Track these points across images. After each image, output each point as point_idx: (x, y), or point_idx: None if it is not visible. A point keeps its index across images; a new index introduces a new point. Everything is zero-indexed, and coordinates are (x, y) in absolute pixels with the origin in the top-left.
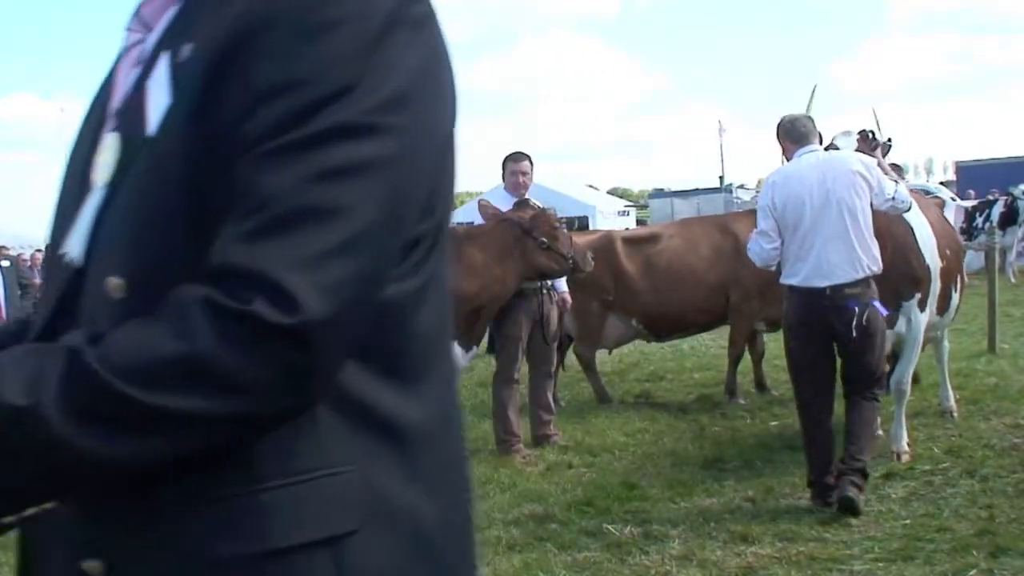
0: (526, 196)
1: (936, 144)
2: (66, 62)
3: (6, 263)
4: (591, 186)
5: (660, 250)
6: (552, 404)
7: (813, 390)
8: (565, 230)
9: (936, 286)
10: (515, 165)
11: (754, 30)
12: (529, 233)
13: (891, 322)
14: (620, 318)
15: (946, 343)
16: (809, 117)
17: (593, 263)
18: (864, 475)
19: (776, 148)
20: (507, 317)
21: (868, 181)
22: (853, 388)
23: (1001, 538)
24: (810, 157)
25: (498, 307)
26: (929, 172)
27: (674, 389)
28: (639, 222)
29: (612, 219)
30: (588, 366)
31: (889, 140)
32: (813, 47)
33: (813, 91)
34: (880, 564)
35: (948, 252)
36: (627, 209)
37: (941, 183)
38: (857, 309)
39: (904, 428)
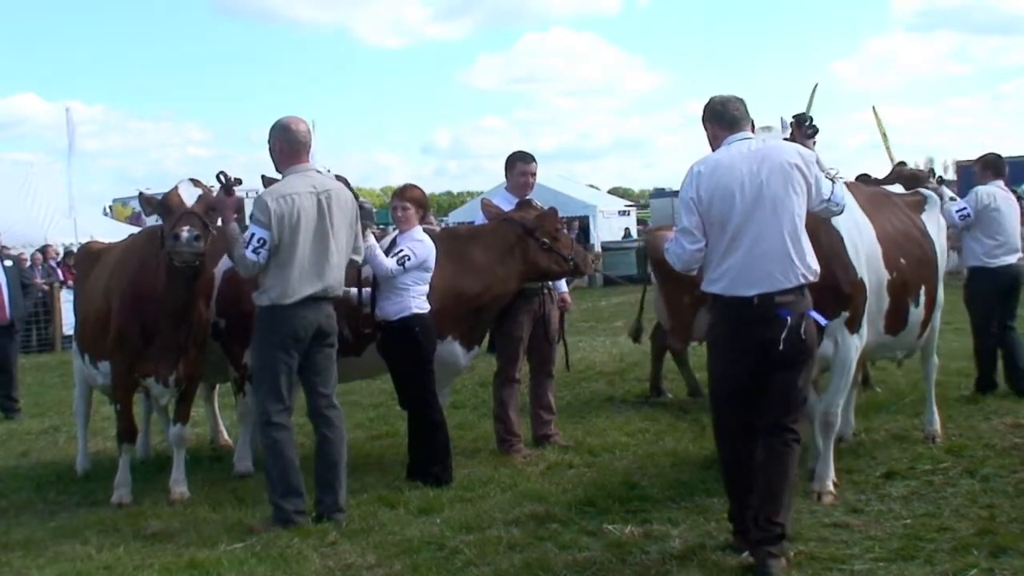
0: (528, 196)
1: (937, 144)
2: (67, 63)
3: (9, 263)
4: (592, 186)
5: None
6: (553, 404)
7: (737, 418)
8: (566, 231)
9: (882, 302)
10: (525, 166)
11: (756, 28)
12: (531, 233)
13: None
14: None
15: (935, 360)
16: (741, 100)
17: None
18: (785, 538)
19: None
20: (508, 317)
21: (806, 176)
22: (769, 416)
23: (1002, 537)
24: (742, 145)
25: (500, 307)
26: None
27: (675, 389)
28: (640, 222)
29: (613, 219)
30: (682, 361)
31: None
32: (815, 45)
33: (814, 89)
34: (881, 564)
35: (903, 261)
36: (628, 209)
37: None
38: (790, 319)
39: (831, 466)
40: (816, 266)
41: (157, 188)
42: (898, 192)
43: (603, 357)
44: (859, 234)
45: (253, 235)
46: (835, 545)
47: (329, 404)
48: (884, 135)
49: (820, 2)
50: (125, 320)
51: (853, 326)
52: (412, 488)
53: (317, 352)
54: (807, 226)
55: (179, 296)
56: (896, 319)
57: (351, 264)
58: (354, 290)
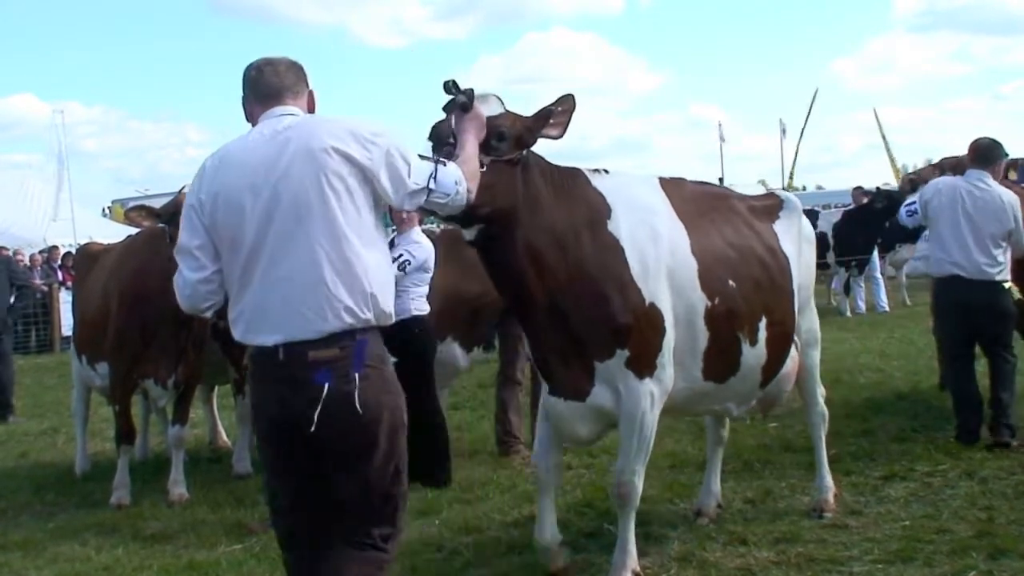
0: None
1: (937, 144)
2: (66, 63)
3: None
4: None
5: None
6: None
7: (304, 527)
8: None
9: (696, 337)
10: None
11: (757, 27)
12: None
13: (579, 393)
14: None
15: (822, 424)
16: (294, 65)
17: None
18: None
19: (771, 144)
20: (509, 318)
21: (360, 162)
22: (339, 528)
23: (1000, 539)
24: (267, 126)
25: (501, 308)
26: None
27: None
28: None
29: None
30: None
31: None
32: (816, 45)
33: (814, 96)
34: (879, 565)
35: (732, 284)
36: None
37: None
38: (328, 385)
39: (631, 552)
40: (382, 301)
41: (156, 189)
42: (748, 195)
43: None
44: (654, 244)
45: None
46: (834, 547)
47: None
48: (884, 137)
49: (820, 2)
50: (124, 322)
51: (641, 367)
52: (411, 489)
53: None
54: (556, 235)
55: None
56: (720, 361)
57: None
58: None
